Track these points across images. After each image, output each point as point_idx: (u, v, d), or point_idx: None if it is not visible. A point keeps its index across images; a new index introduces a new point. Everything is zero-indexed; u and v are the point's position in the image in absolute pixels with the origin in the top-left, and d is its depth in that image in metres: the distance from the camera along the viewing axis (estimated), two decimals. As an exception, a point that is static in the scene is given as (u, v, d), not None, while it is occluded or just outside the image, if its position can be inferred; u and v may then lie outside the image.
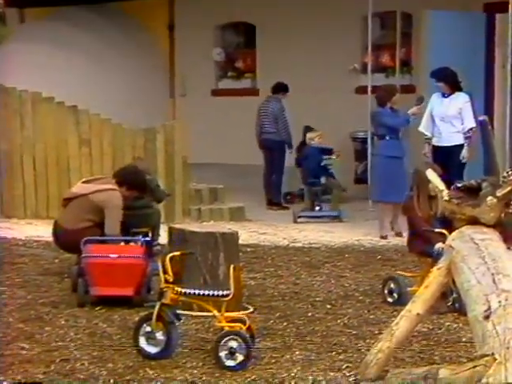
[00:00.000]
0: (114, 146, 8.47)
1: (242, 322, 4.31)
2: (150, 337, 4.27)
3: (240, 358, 4.12)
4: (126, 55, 11.92)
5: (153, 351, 4.26)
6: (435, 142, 7.81)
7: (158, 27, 12.28)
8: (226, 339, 4.16)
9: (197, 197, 8.82)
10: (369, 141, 8.99)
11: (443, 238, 4.91)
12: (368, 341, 4.54)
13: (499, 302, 3.45)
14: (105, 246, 5.39)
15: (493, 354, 3.28)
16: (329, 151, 9.45)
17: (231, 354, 4.12)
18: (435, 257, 5.01)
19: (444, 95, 7.78)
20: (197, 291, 4.30)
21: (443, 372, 3.53)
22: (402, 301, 5.10)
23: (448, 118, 7.76)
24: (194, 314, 4.87)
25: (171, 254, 4.35)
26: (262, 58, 11.80)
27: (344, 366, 4.15)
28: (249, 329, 4.28)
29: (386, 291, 5.49)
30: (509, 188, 3.80)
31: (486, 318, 3.41)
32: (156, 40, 12.38)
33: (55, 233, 5.81)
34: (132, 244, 5.53)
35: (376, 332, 4.69)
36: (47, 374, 4.02)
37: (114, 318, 5.01)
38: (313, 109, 10.42)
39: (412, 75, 10.32)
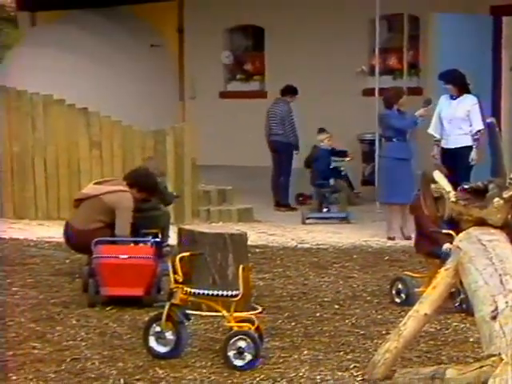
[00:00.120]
0: (124, 148, 8.53)
1: (251, 322, 4.33)
2: (159, 336, 4.29)
3: (248, 357, 4.15)
4: (136, 58, 11.99)
5: (162, 351, 4.29)
6: (443, 144, 7.82)
7: (167, 31, 12.34)
8: (234, 339, 4.18)
9: (206, 198, 8.87)
10: (376, 143, 9.01)
11: (450, 239, 4.94)
12: (376, 341, 4.56)
13: (506, 302, 3.47)
14: (115, 247, 5.43)
15: (499, 354, 3.30)
16: (343, 153, 9.50)
17: (240, 353, 4.15)
18: (442, 257, 5.03)
19: (452, 97, 7.79)
20: (206, 291, 4.33)
21: (450, 372, 3.56)
22: (409, 301, 5.12)
23: (456, 120, 7.77)
24: (203, 314, 4.89)
25: (181, 255, 4.38)
26: (270, 61, 11.84)
27: (352, 366, 4.17)
28: (257, 329, 4.30)
29: (393, 292, 5.51)
30: (515, 190, 3.82)
31: (493, 318, 3.43)
32: (166, 43, 12.45)
33: (66, 233, 5.85)
34: (142, 245, 5.57)
35: (384, 332, 4.71)
36: (58, 373, 4.06)
37: (124, 318, 5.04)
38: (321, 111, 10.45)
39: (419, 77, 10.34)
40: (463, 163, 7.60)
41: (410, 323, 3.97)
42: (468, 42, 8.63)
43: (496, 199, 3.84)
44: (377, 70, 9.43)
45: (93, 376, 4.03)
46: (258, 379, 4.01)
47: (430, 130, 7.86)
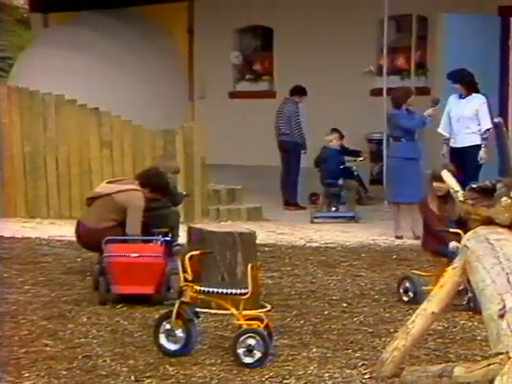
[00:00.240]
0: (134, 148, 8.58)
1: (260, 319, 4.34)
2: (169, 334, 4.31)
3: (258, 355, 4.16)
4: (146, 59, 12.05)
5: (172, 348, 4.31)
6: (451, 143, 7.84)
7: (177, 31, 12.39)
8: (244, 337, 4.20)
9: (215, 197, 8.91)
10: (384, 142, 9.03)
11: (458, 238, 4.96)
12: (384, 339, 4.57)
13: (514, 300, 3.50)
14: (126, 246, 5.46)
15: (507, 352, 3.31)
16: (356, 153, 9.53)
17: (249, 351, 4.17)
18: (449, 256, 5.06)
19: (461, 96, 7.80)
20: (215, 289, 4.34)
21: (458, 370, 3.57)
22: (417, 300, 5.14)
23: (464, 119, 7.78)
24: (213, 311, 4.92)
25: (190, 253, 4.40)
26: (279, 61, 11.87)
27: (360, 364, 4.19)
28: (266, 327, 4.32)
29: (401, 290, 5.52)
30: (523, 189, 3.84)
31: (501, 316, 3.44)
32: (175, 44, 12.51)
33: (78, 231, 5.89)
34: (152, 244, 5.61)
35: (392, 330, 4.73)
36: (70, 370, 4.09)
37: (134, 316, 5.07)
38: (329, 110, 10.47)
39: (427, 77, 10.34)
40: (471, 162, 7.61)
41: (417, 321, 3.98)
42: (476, 42, 8.63)
43: (504, 198, 3.85)
44: (385, 70, 9.45)
45: (104, 373, 4.06)
46: (266, 376, 4.03)
47: (440, 130, 7.88)
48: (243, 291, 4.30)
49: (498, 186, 3.92)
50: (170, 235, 5.89)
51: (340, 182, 8.84)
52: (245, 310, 4.33)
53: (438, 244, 5.43)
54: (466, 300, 5.19)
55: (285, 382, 3.98)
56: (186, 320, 4.32)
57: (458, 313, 5.14)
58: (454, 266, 3.97)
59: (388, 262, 6.72)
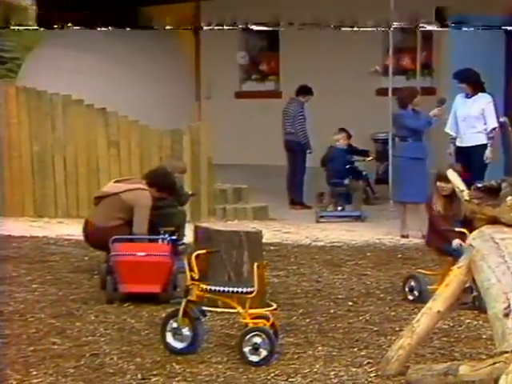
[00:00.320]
0: (142, 147, 8.62)
1: (266, 318, 4.37)
2: (176, 332, 4.34)
3: (264, 353, 4.19)
4: (153, 60, 12.10)
5: (179, 346, 4.34)
6: (458, 142, 7.84)
7: (184, 32, 12.43)
8: (250, 335, 4.22)
9: (222, 196, 8.94)
10: (389, 142, 9.04)
11: (463, 237, 4.97)
12: (389, 337, 4.59)
13: (519, 300, 3.51)
14: (133, 245, 5.49)
15: (512, 350, 3.35)
16: (365, 153, 9.54)
17: (255, 349, 4.19)
18: (453, 254, 5.07)
19: (467, 96, 7.82)
20: (222, 288, 4.36)
21: (463, 368, 3.59)
22: (422, 298, 5.16)
23: (470, 119, 7.79)
24: (219, 310, 4.94)
25: (197, 252, 4.43)
26: (285, 61, 11.90)
27: (365, 362, 4.21)
28: (272, 325, 4.34)
29: (406, 289, 5.54)
30: (528, 188, 3.85)
31: (506, 315, 3.45)
32: (182, 44, 12.54)
33: (86, 230, 5.93)
34: (159, 243, 5.64)
35: (397, 329, 4.75)
36: (77, 368, 4.12)
37: (141, 314, 5.10)
38: (335, 110, 10.49)
39: (432, 77, 10.35)
40: (477, 162, 7.61)
41: (423, 320, 4.00)
42: (481, 42, 8.63)
43: (509, 198, 3.86)
44: (390, 70, 9.46)
45: (111, 371, 4.09)
46: (272, 375, 4.06)
47: (447, 129, 7.88)
48: (249, 290, 4.32)
49: (503, 185, 3.93)
50: (176, 234, 5.92)
51: (346, 181, 8.85)
52: (251, 308, 4.35)
53: (442, 242, 5.45)
54: (471, 299, 5.20)
55: (290, 380, 4.00)
56: (192, 318, 4.34)
57: (463, 311, 5.15)
58: (460, 265, 3.99)
59: (393, 261, 6.74)
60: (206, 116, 11.86)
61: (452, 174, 4.38)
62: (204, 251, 4.51)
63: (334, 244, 7.47)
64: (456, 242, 5.20)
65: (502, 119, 7.75)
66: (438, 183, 5.52)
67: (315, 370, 4.12)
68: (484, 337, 4.68)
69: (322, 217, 8.68)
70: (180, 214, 6.42)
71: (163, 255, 5.40)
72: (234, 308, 4.42)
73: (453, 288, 3.98)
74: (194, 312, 4.35)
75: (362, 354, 4.37)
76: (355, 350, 4.44)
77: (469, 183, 4.17)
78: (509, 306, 3.48)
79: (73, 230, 7.46)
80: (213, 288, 4.36)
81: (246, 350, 4.21)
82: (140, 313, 5.14)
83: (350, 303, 5.45)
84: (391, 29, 9.01)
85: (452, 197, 5.34)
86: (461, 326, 4.93)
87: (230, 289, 4.37)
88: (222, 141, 10.41)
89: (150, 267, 5.31)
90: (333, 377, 4.04)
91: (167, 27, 10.78)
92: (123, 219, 5.75)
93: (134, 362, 4.21)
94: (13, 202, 8.76)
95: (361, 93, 10.58)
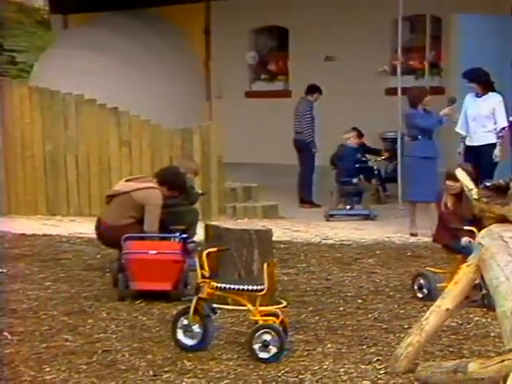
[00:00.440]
0: (153, 146, 8.67)
1: (276, 315, 4.39)
2: (187, 329, 4.37)
3: (273, 350, 4.21)
4: (164, 60, 12.15)
5: (190, 343, 4.36)
6: (467, 141, 7.84)
7: (194, 32, 12.49)
8: (260, 332, 4.25)
9: (232, 195, 8.98)
10: (398, 141, 9.06)
11: (472, 235, 4.99)
12: (398, 335, 4.60)
13: (527, 298, 3.53)
14: (144, 243, 5.53)
15: (521, 348, 3.36)
16: (377, 152, 9.54)
17: (265, 346, 4.21)
18: (461, 251, 5.09)
19: (477, 95, 7.82)
20: (232, 286, 4.39)
21: (472, 366, 3.61)
22: (431, 296, 5.18)
23: (480, 118, 7.79)
24: (230, 307, 4.96)
25: (207, 250, 4.46)
26: (294, 61, 11.93)
27: (374, 359, 4.22)
28: (282, 322, 4.37)
29: (415, 287, 5.55)
30: (536, 187, 3.87)
31: (515, 313, 3.49)
32: (192, 44, 12.60)
33: (98, 229, 5.97)
34: (170, 241, 5.67)
35: (406, 326, 4.76)
36: (90, 365, 4.15)
37: (153, 312, 5.13)
38: (344, 110, 10.52)
39: (441, 77, 10.36)
40: (487, 161, 7.62)
41: (432, 318, 4.01)
42: (489, 42, 8.63)
43: (517, 197, 3.89)
44: (399, 69, 9.48)
45: (123, 367, 4.12)
46: (282, 371, 4.08)
47: (457, 129, 7.89)
48: (259, 287, 4.34)
49: (512, 184, 3.96)
50: (187, 232, 5.96)
51: (354, 180, 8.87)
52: (261, 306, 4.37)
53: (451, 239, 5.47)
54: (480, 296, 5.22)
55: (300, 376, 4.02)
56: (203, 316, 4.37)
57: (471, 309, 5.17)
58: (469, 263, 4.00)
59: (402, 259, 6.75)
60: (217, 115, 11.92)
61: (460, 173, 4.40)
62: (214, 249, 4.53)
63: (344, 242, 7.48)
64: (465, 240, 5.22)
65: (511, 118, 7.75)
66: (447, 182, 5.54)
67: (325, 366, 4.15)
68: (492, 334, 4.68)
69: (331, 215, 8.70)
70: (192, 212, 6.45)
71: (174, 253, 5.43)
72: (244, 305, 4.44)
73: (462, 286, 3.99)
74: (205, 309, 4.37)
75: (371, 351, 4.39)
76: (364, 347, 4.46)
77: (478, 182, 4.19)
78: (517, 304, 3.51)
79: (85, 228, 7.51)
80: (223, 286, 4.38)
81: (256, 347, 4.23)
82: (151, 310, 5.17)
83: (360, 301, 5.47)
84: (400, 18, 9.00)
85: (461, 195, 5.36)
86: (469, 324, 4.94)
87: (241, 286, 4.40)
88: (232, 140, 10.46)
89: (162, 265, 5.34)
90: (342, 374, 4.06)
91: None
92: (134, 218, 5.78)
93: (145, 358, 4.24)
94: (26, 201, 8.83)
95: (370, 92, 10.60)
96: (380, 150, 9.61)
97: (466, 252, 4.54)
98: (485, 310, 5.15)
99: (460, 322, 4.95)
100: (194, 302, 4.37)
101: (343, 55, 11.15)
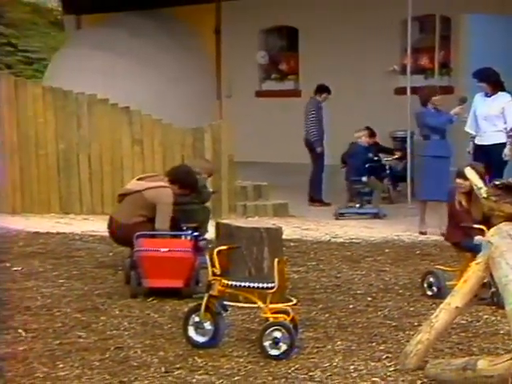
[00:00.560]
0: (165, 145, 8.72)
1: (286, 313, 4.41)
2: (198, 327, 4.39)
3: (284, 347, 4.23)
4: (175, 59, 12.21)
5: (201, 340, 4.39)
6: (477, 140, 7.85)
7: (205, 32, 12.54)
8: (270, 329, 4.27)
9: (242, 194, 9.02)
10: (408, 140, 9.07)
11: (482, 234, 5.01)
12: (408, 332, 4.62)
13: (536, 296, 3.54)
14: (156, 241, 5.57)
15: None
16: (390, 151, 9.56)
17: (275, 343, 4.23)
18: (472, 249, 5.10)
19: (487, 95, 7.83)
20: (243, 283, 4.41)
21: (481, 363, 3.64)
22: (440, 294, 5.19)
23: (490, 117, 7.79)
24: (240, 305, 5.00)
25: (218, 248, 4.48)
26: (304, 61, 11.96)
27: (384, 357, 4.24)
28: (292, 320, 4.38)
29: (425, 285, 5.57)
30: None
31: (524, 311, 3.52)
32: (203, 44, 12.65)
33: (110, 227, 6.00)
34: (181, 238, 5.70)
35: (415, 324, 4.78)
36: (102, 362, 4.18)
37: (164, 309, 5.17)
38: (354, 109, 10.55)
39: (450, 77, 10.37)
40: (496, 159, 7.62)
41: (441, 315, 4.03)
42: (498, 42, 8.63)
43: (527, 195, 3.91)
44: (408, 69, 9.49)
45: (135, 364, 4.14)
46: (292, 368, 4.10)
47: (467, 128, 7.90)
48: (270, 285, 4.36)
49: (521, 183, 3.97)
50: (198, 230, 5.99)
51: (364, 179, 8.88)
52: (271, 303, 4.39)
53: (462, 237, 5.48)
54: (489, 294, 5.23)
55: (310, 373, 4.04)
56: (214, 313, 4.40)
57: (481, 307, 5.18)
58: (478, 262, 4.01)
59: (412, 257, 6.76)
60: (227, 114, 11.96)
61: (470, 172, 4.42)
62: (225, 247, 4.56)
63: (353, 240, 7.50)
64: (478, 238, 5.23)
65: (519, 118, 7.75)
66: (457, 180, 5.56)
67: (334, 364, 4.16)
68: (502, 332, 4.69)
69: (340, 214, 8.73)
70: (203, 210, 6.48)
71: (186, 251, 5.46)
72: (255, 303, 4.46)
73: (471, 284, 4.01)
74: (216, 307, 4.40)
75: (381, 348, 4.40)
76: (374, 344, 4.48)
77: (490, 181, 4.21)
78: (526, 302, 3.53)
79: (98, 226, 7.55)
80: (234, 283, 4.41)
81: (267, 344, 4.26)
82: (163, 307, 5.20)
83: (369, 298, 5.49)
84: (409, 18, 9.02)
85: (470, 194, 5.38)
86: (479, 322, 4.96)
87: (251, 284, 4.42)
88: (243, 139, 10.50)
89: (173, 262, 5.37)
90: (352, 371, 4.07)
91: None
92: (146, 216, 5.81)
93: (157, 355, 4.27)
94: (39, 200, 8.90)
95: (379, 92, 10.62)
96: (393, 149, 9.63)
97: (475, 250, 4.56)
98: (494, 307, 5.17)
99: (469, 320, 4.96)
100: (206, 299, 4.40)
101: (352, 55, 11.17)
